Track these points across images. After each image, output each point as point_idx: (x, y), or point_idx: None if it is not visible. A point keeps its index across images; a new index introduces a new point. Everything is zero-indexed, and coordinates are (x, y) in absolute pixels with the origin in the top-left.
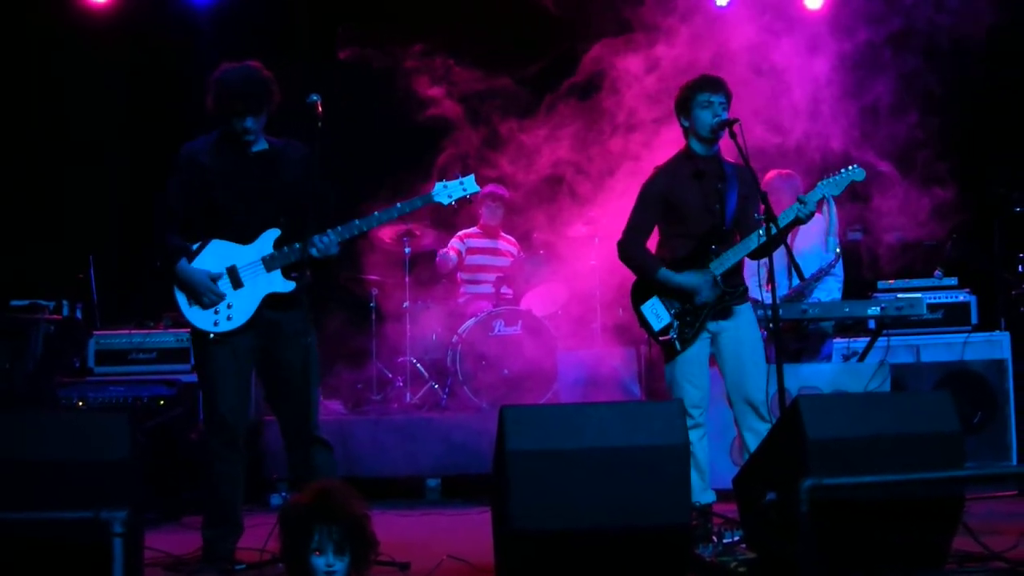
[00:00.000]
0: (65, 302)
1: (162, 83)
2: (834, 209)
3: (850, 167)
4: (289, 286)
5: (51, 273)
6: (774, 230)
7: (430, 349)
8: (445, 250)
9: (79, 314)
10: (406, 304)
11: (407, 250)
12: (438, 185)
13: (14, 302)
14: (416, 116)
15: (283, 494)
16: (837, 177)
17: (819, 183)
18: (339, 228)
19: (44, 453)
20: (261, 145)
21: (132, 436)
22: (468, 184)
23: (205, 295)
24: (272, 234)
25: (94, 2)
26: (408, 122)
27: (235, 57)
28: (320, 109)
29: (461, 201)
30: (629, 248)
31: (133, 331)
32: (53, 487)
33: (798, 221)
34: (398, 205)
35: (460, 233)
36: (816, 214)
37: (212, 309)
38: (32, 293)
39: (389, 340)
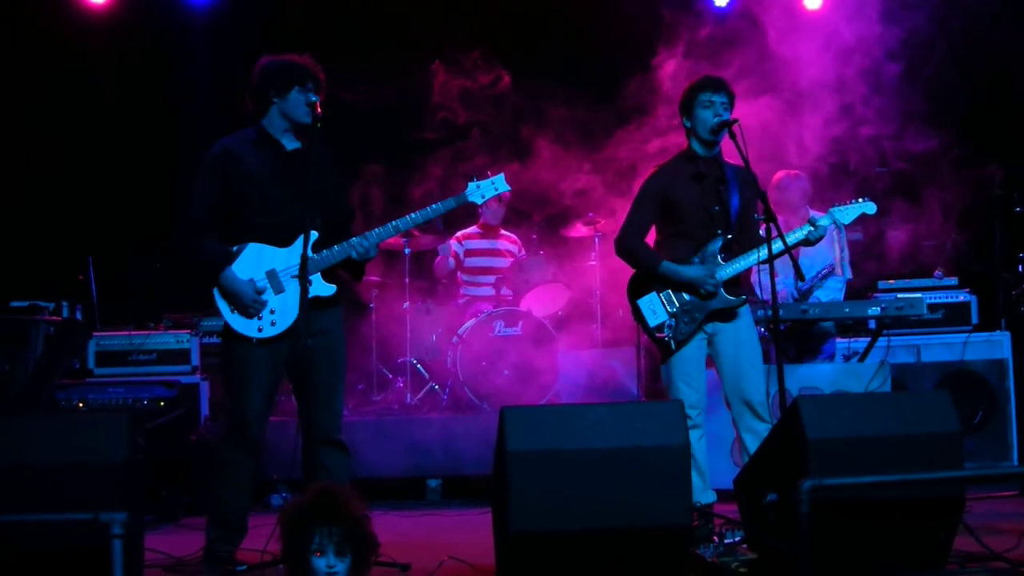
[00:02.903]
0: (65, 303)
1: (160, 84)
2: (844, 235)
3: (862, 199)
4: (330, 290)
5: (51, 274)
6: (775, 231)
7: (430, 350)
8: (441, 254)
9: (79, 315)
10: (406, 305)
11: (407, 251)
12: (471, 185)
13: (14, 303)
14: (417, 117)
15: (283, 495)
16: (849, 207)
17: (831, 209)
18: (377, 230)
19: (43, 455)
20: (294, 144)
21: (131, 438)
22: (499, 183)
23: (251, 306)
24: (311, 236)
25: (93, 3)
26: (407, 125)
27: (232, 59)
28: (319, 110)
29: (492, 200)
30: (629, 242)
31: (133, 332)
32: (52, 489)
33: (807, 242)
34: (433, 206)
35: (458, 234)
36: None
37: (252, 316)
38: (32, 294)
39: (389, 341)
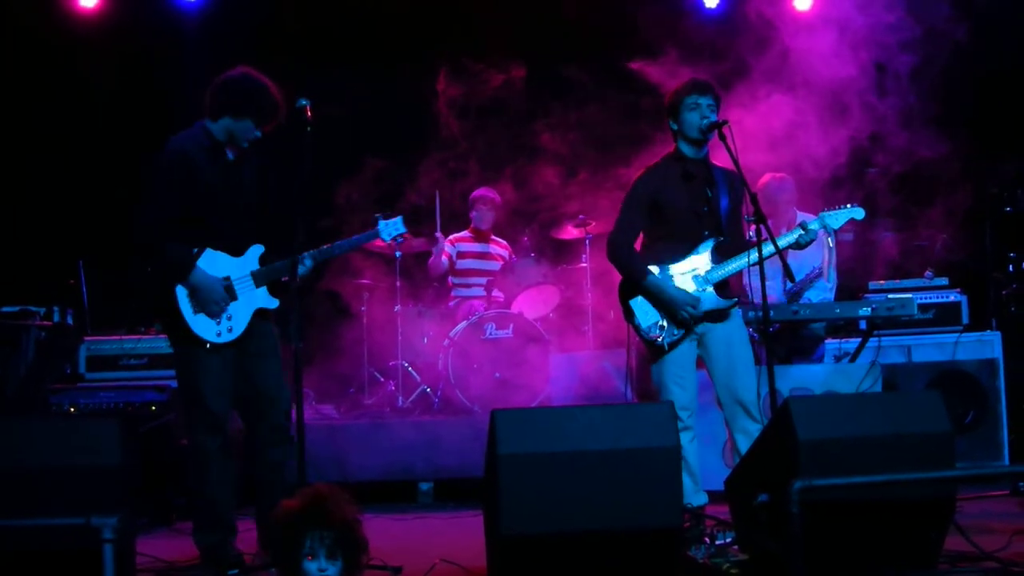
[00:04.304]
0: (56, 308)
1: (151, 88)
2: (834, 240)
3: (850, 205)
4: (274, 303)
5: (41, 279)
6: (765, 233)
7: (421, 353)
8: (436, 254)
9: (70, 320)
10: (397, 308)
11: (398, 254)
12: (380, 223)
13: (5, 308)
14: (411, 119)
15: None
16: (838, 212)
17: (821, 213)
18: (314, 252)
19: (35, 459)
20: (232, 155)
21: (123, 442)
22: (399, 224)
23: (218, 303)
24: (258, 250)
25: (83, 6)
26: (401, 125)
27: (224, 60)
28: (309, 113)
29: (395, 239)
30: (619, 251)
31: (124, 337)
32: (45, 494)
33: (797, 246)
34: (355, 237)
35: (451, 237)
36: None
37: (215, 320)
38: (23, 299)
39: (380, 344)
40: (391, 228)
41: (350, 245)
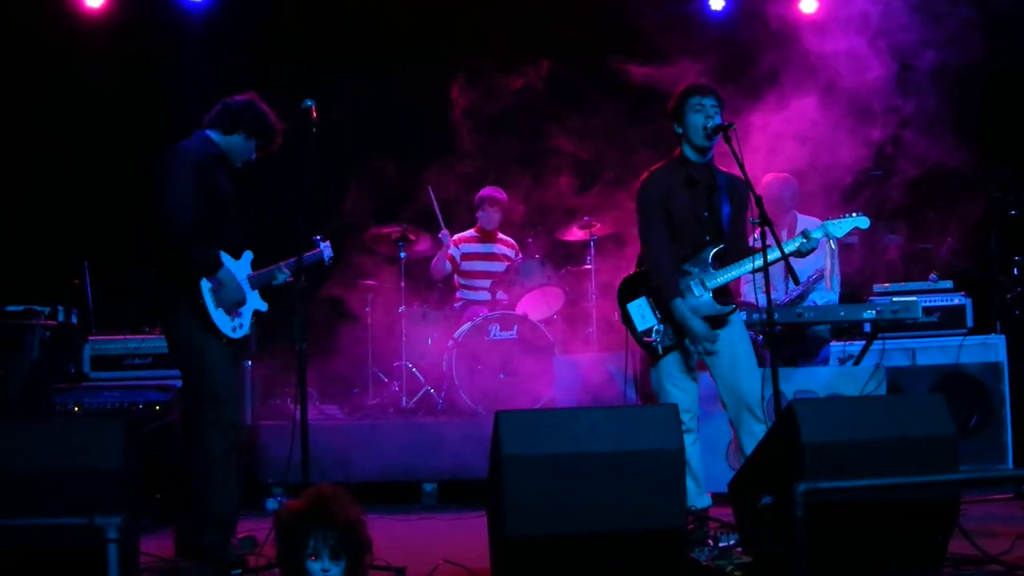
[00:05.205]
0: (60, 308)
1: (156, 89)
2: (836, 249)
3: (854, 214)
4: (265, 306)
5: (46, 279)
6: (770, 236)
7: (426, 354)
8: (439, 256)
9: (74, 319)
10: (402, 309)
11: (402, 255)
12: (322, 245)
13: (9, 307)
14: (412, 119)
15: (279, 499)
16: (842, 221)
17: (824, 222)
18: (279, 264)
19: (40, 461)
20: None
21: (127, 443)
22: (330, 248)
23: (240, 302)
24: (249, 255)
25: (89, 7)
26: (402, 126)
27: (226, 61)
28: (315, 114)
29: (331, 259)
30: (659, 265)
31: (128, 336)
32: (49, 495)
33: (798, 254)
34: (307, 255)
35: (455, 237)
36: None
37: (230, 316)
38: (27, 299)
39: (385, 345)
40: (328, 250)
41: (302, 264)
